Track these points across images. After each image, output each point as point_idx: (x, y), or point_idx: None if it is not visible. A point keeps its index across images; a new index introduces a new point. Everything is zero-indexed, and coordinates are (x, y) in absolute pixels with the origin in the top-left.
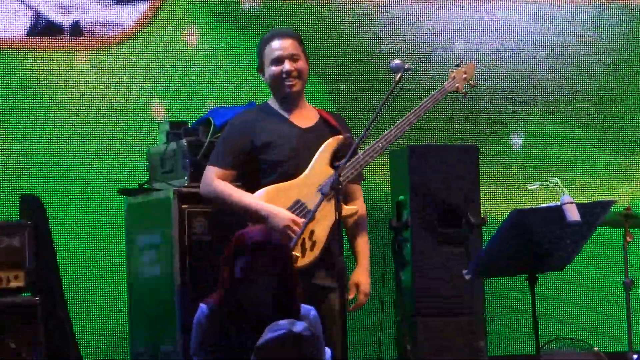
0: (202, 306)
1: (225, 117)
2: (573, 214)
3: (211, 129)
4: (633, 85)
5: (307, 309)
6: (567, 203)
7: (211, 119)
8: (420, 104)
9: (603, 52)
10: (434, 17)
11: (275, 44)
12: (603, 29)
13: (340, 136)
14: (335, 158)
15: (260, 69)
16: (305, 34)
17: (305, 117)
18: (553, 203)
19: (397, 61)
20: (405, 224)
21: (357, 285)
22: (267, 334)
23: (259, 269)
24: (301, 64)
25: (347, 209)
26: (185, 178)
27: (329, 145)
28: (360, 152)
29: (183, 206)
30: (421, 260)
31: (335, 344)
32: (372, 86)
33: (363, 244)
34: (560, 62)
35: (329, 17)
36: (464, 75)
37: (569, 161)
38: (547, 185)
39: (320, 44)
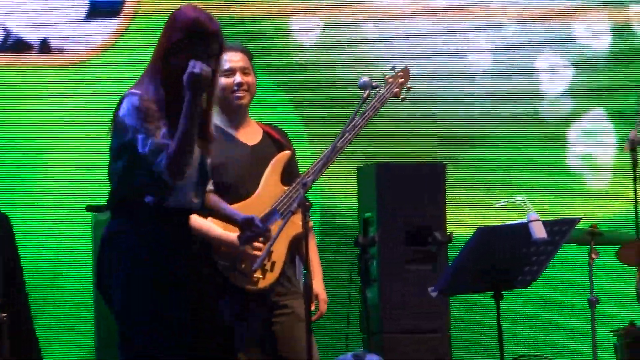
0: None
1: None
2: (539, 232)
3: None
4: (599, 104)
5: None
6: (533, 220)
7: None
8: (361, 114)
9: (570, 69)
10: (403, 34)
11: (226, 56)
12: (569, 47)
13: (288, 152)
14: (285, 174)
15: None
16: (275, 48)
17: (251, 133)
18: (519, 220)
19: (365, 78)
20: (372, 240)
21: (317, 295)
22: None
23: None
24: (251, 78)
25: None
26: None
27: (278, 161)
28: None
29: None
30: (388, 278)
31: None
32: (339, 101)
33: (314, 254)
34: (526, 80)
35: (298, 32)
36: (401, 80)
37: (535, 178)
38: (514, 202)
39: (287, 58)
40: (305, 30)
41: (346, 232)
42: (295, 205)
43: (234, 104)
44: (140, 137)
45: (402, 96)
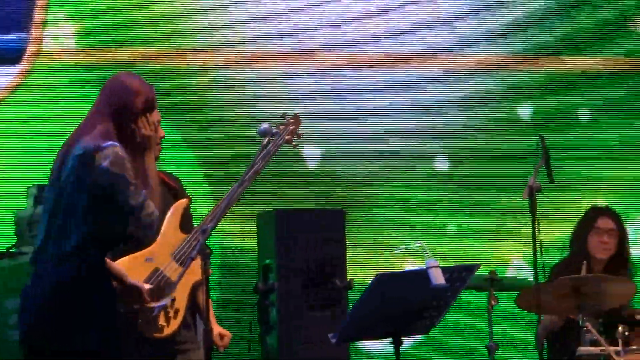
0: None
1: None
2: (438, 278)
3: None
4: (507, 147)
5: None
6: (432, 267)
7: None
8: (257, 160)
9: (478, 114)
10: (301, 76)
11: None
12: (483, 92)
13: (186, 199)
14: (183, 221)
15: None
16: (172, 90)
17: None
18: (418, 267)
19: (265, 125)
20: (272, 287)
21: (221, 335)
22: None
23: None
24: None
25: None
26: None
27: (177, 209)
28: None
29: None
30: (287, 324)
31: None
32: (236, 143)
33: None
34: (435, 123)
35: (195, 73)
36: (292, 127)
37: (437, 222)
38: (412, 249)
39: (184, 99)
40: (202, 72)
41: (245, 278)
42: (195, 252)
43: (156, 155)
44: (131, 188)
45: (294, 143)
